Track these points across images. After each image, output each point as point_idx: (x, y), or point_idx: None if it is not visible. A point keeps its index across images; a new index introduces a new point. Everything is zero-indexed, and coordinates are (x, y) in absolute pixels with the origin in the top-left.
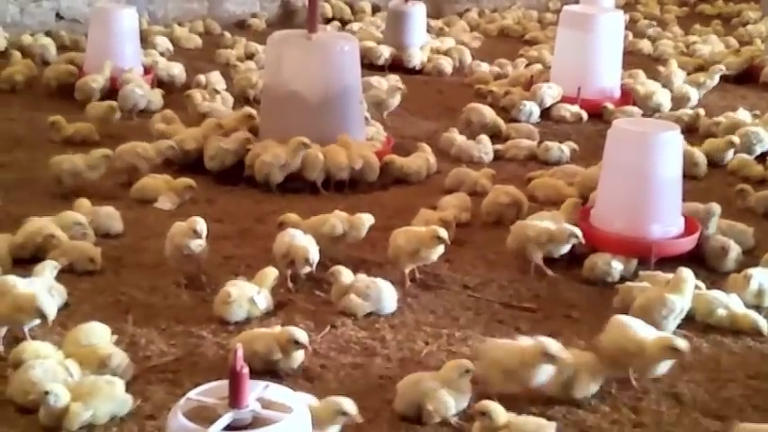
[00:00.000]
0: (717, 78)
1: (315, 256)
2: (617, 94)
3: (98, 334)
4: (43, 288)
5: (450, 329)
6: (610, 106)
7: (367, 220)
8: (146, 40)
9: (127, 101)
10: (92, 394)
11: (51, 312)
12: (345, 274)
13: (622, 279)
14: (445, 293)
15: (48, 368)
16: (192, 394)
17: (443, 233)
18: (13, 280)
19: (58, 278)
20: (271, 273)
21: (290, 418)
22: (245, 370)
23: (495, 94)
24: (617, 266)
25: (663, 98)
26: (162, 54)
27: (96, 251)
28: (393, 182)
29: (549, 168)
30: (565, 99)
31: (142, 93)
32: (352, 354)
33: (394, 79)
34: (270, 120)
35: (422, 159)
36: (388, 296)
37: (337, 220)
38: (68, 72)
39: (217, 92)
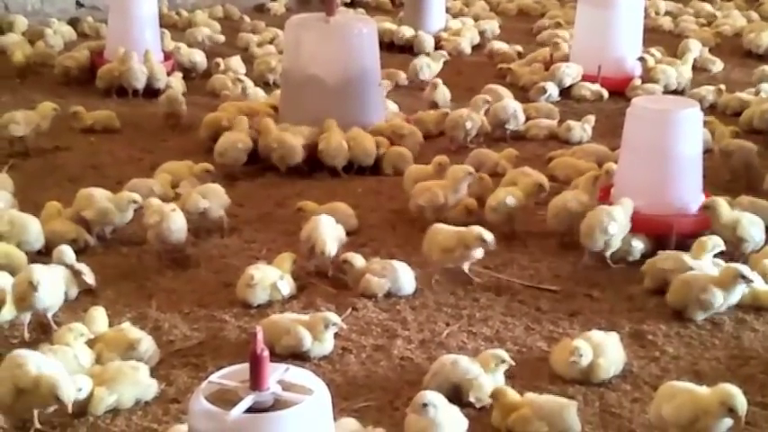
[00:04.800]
0: None
1: (331, 248)
2: (638, 71)
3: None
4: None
5: (470, 310)
6: (638, 82)
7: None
8: (184, 30)
9: (138, 81)
10: (116, 379)
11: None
12: (358, 260)
13: (643, 258)
14: (465, 274)
15: (59, 355)
16: (214, 378)
17: (489, 236)
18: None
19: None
20: (288, 257)
21: (310, 400)
22: (266, 353)
23: (515, 73)
24: (638, 245)
25: (672, 74)
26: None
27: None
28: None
29: (570, 147)
30: (585, 77)
31: (146, 71)
32: (373, 335)
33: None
34: (289, 103)
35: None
36: (404, 276)
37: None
38: (88, 59)
39: (240, 80)
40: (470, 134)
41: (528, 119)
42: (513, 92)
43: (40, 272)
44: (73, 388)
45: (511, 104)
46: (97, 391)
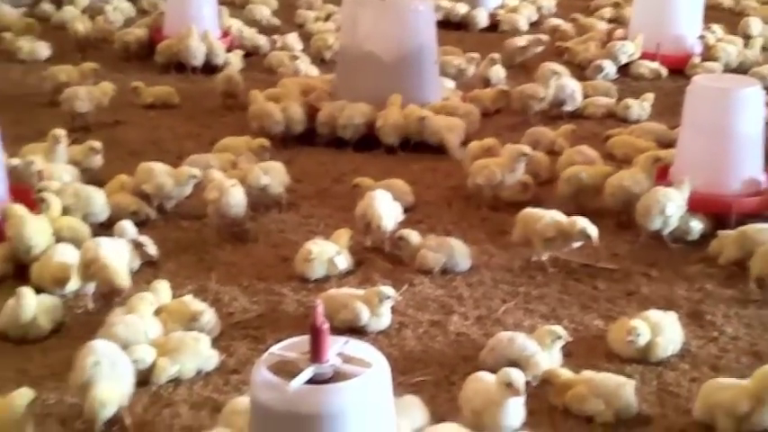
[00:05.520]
0: None
1: (387, 223)
2: (697, 49)
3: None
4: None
5: (527, 288)
6: (697, 60)
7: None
8: (242, 6)
9: (195, 58)
10: (178, 350)
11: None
12: (414, 236)
13: (702, 238)
14: (522, 251)
15: (130, 325)
16: (275, 349)
17: (593, 231)
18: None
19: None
20: (345, 232)
21: (369, 373)
22: (326, 326)
23: (572, 50)
24: (696, 225)
25: (732, 52)
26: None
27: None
28: (465, 142)
29: (628, 126)
30: (644, 55)
31: (204, 49)
32: (429, 311)
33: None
34: (346, 80)
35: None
36: (460, 252)
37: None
38: (147, 35)
39: (296, 57)
40: (535, 109)
41: (585, 97)
42: (570, 70)
43: (105, 246)
44: (113, 405)
45: (569, 84)
46: (160, 362)
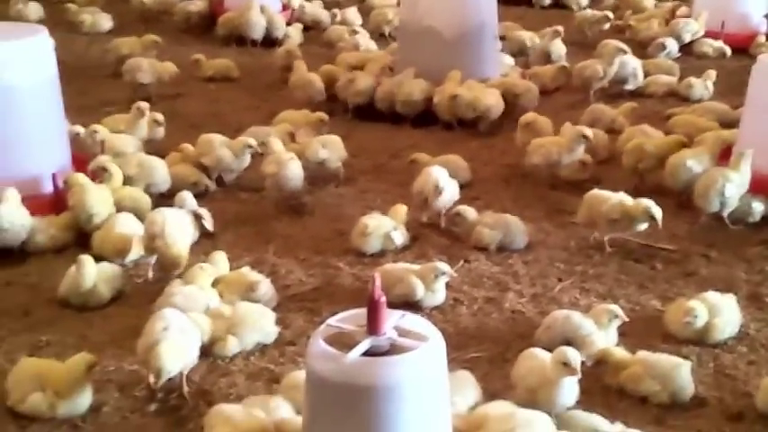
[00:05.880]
0: None
1: (444, 198)
2: (763, 28)
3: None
4: (185, 218)
5: (584, 266)
6: (763, 39)
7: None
8: None
9: (255, 31)
10: (242, 325)
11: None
12: (470, 212)
13: (763, 219)
14: (580, 230)
15: (189, 295)
16: (332, 321)
17: (657, 212)
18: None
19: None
20: (401, 208)
21: (425, 347)
22: (383, 299)
23: (634, 28)
24: (758, 207)
25: None
26: None
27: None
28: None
29: (690, 105)
30: (708, 34)
31: (264, 23)
32: (485, 288)
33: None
34: (406, 55)
35: (495, 97)
36: (517, 230)
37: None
38: (208, 8)
39: (355, 32)
40: (595, 87)
41: (646, 75)
42: (631, 47)
43: (170, 220)
44: (175, 367)
45: (631, 62)
46: (228, 339)
